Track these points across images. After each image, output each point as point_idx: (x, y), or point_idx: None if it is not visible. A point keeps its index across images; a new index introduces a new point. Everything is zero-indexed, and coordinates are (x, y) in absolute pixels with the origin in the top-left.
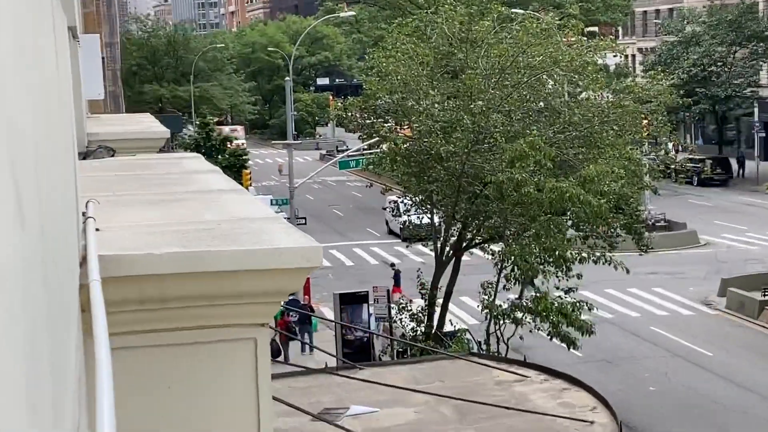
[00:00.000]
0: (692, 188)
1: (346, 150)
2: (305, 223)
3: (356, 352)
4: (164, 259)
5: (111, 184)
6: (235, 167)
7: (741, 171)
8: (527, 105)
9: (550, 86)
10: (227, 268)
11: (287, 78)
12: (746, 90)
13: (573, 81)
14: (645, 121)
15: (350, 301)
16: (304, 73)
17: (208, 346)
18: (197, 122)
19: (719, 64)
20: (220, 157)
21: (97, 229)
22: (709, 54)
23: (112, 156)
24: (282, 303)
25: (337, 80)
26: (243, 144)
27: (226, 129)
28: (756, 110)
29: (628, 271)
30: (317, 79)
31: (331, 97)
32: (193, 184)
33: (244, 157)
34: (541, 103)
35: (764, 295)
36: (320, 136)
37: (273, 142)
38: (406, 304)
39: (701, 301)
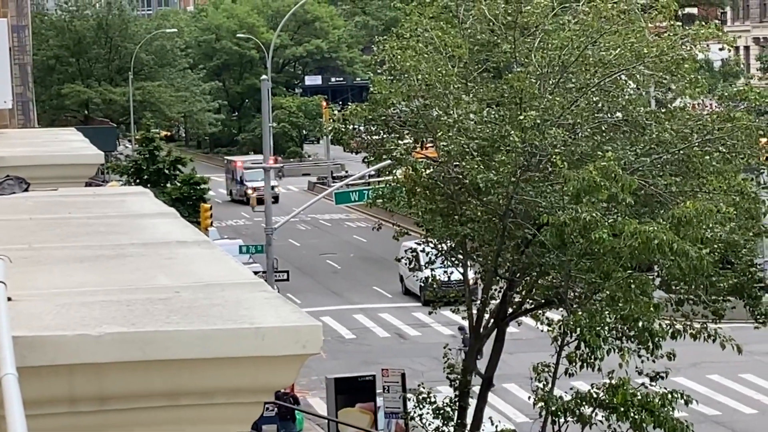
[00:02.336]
0: None
1: (346, 177)
2: (287, 279)
3: None
4: (103, 342)
5: (25, 232)
6: (190, 200)
7: None
8: (599, 116)
9: (630, 90)
10: (190, 356)
11: (264, 76)
12: None
13: (663, 83)
14: (764, 141)
15: (350, 390)
16: (287, 70)
17: None
18: (138, 136)
19: None
20: (169, 185)
21: (9, 299)
22: None
23: (25, 191)
24: None
25: (333, 79)
26: (277, 187)
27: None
28: None
29: (740, 351)
30: (305, 77)
31: (324, 103)
32: (141, 233)
33: (202, 187)
34: (619, 114)
35: None
36: (310, 157)
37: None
38: (428, 394)
39: None
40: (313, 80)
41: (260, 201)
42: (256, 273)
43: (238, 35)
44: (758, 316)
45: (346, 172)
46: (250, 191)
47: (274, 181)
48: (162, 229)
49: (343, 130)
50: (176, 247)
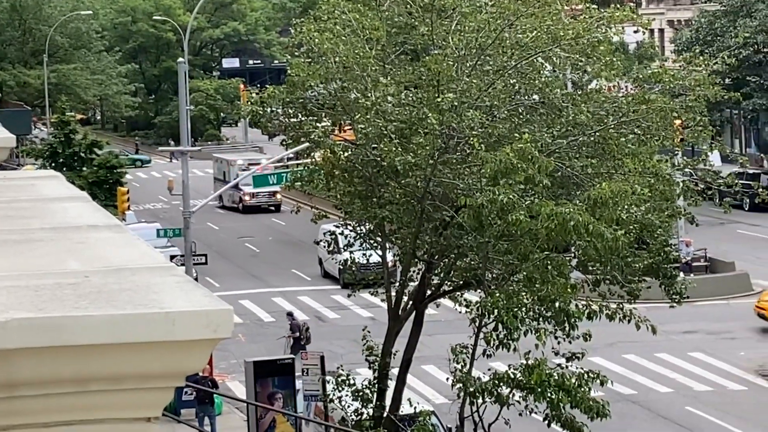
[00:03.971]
0: (743, 214)
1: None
2: (206, 263)
3: None
4: (10, 328)
5: None
6: (107, 184)
7: None
8: (516, 99)
9: (547, 73)
10: (99, 341)
11: (181, 59)
12: None
13: (579, 66)
14: (678, 122)
15: (269, 373)
16: (204, 52)
17: None
18: (53, 120)
19: None
20: (85, 169)
21: None
22: (766, 30)
23: None
24: None
25: (250, 62)
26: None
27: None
28: None
29: (654, 331)
30: (223, 60)
31: (242, 86)
32: (52, 217)
33: (119, 170)
34: (536, 96)
35: None
36: (228, 140)
37: (160, 148)
38: (347, 376)
39: (756, 371)
40: (231, 63)
41: (265, 209)
42: (173, 257)
43: (154, 17)
44: (673, 296)
45: (265, 155)
46: (246, 198)
47: (276, 187)
48: (73, 213)
49: (260, 112)
50: (87, 232)
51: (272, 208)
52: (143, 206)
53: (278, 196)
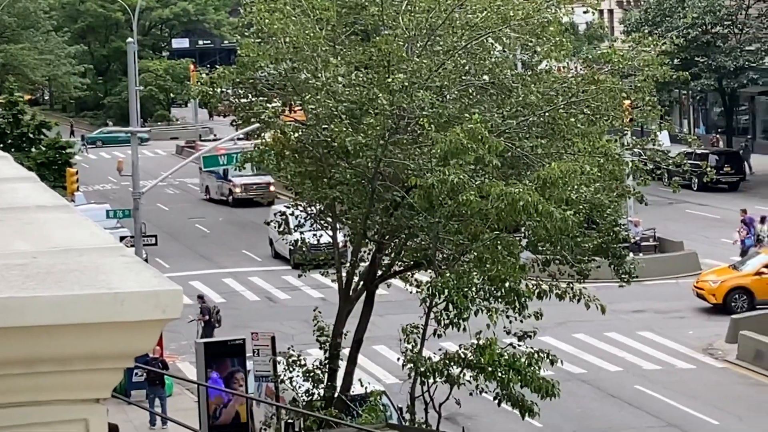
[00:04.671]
0: (691, 194)
1: (215, 140)
2: (156, 244)
3: (228, 425)
4: None
5: None
6: (56, 165)
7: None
8: (466, 79)
9: (497, 53)
10: (47, 322)
11: (130, 39)
12: (764, 60)
13: (529, 46)
14: (627, 103)
15: (220, 354)
16: (153, 33)
17: None
18: (1, 100)
19: (727, 23)
20: (34, 149)
21: None
22: (714, 10)
23: None
24: None
25: (200, 42)
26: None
27: None
28: None
29: (604, 310)
30: (172, 40)
31: (192, 66)
32: None
33: (68, 151)
34: (486, 77)
35: None
36: (177, 120)
37: (110, 128)
38: (298, 357)
39: (704, 350)
40: (181, 43)
41: (257, 203)
42: (123, 238)
43: None
44: (622, 276)
45: (215, 135)
46: (237, 190)
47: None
48: (21, 193)
49: (210, 93)
50: (35, 212)
51: (267, 202)
52: (93, 187)
53: (272, 188)
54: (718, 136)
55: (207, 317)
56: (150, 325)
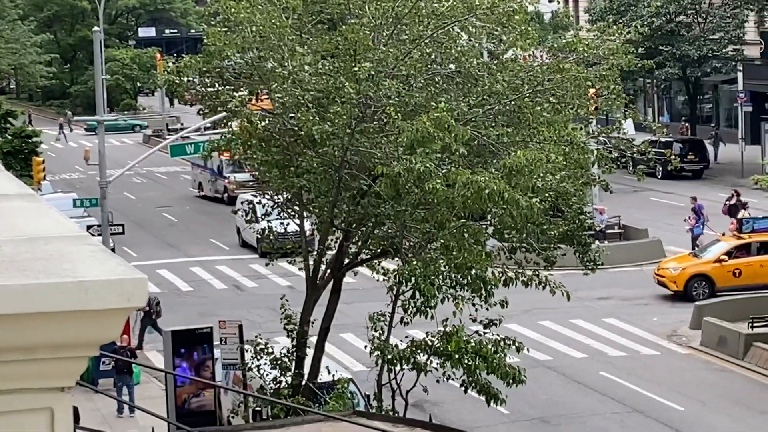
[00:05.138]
0: (656, 182)
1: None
2: (123, 233)
3: (196, 413)
4: None
5: None
6: (22, 153)
7: (714, 156)
8: (432, 68)
9: (463, 42)
10: (11, 311)
11: (96, 28)
12: (727, 48)
13: (495, 35)
14: (592, 91)
15: (187, 342)
16: (120, 21)
17: None
18: None
19: (690, 12)
20: (0, 138)
21: None
22: None
23: None
24: None
25: (166, 31)
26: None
27: None
28: (740, 76)
29: (569, 297)
30: (139, 29)
31: (158, 55)
32: None
33: (34, 140)
34: (452, 66)
35: (752, 327)
36: (144, 109)
37: (76, 117)
38: (265, 345)
39: (668, 336)
40: (147, 32)
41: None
42: (90, 227)
43: None
44: (587, 263)
45: (182, 124)
46: (233, 187)
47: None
48: None
49: (177, 82)
50: (0, 201)
51: None
52: (59, 176)
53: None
54: (687, 124)
55: (147, 308)
56: (115, 314)
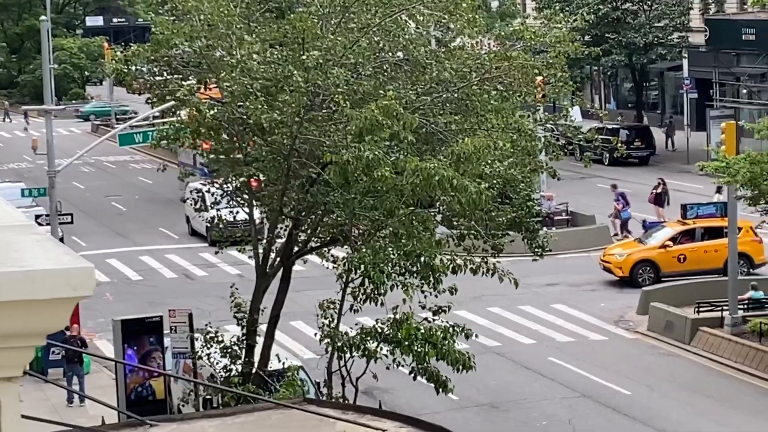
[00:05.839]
0: (603, 168)
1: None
2: (71, 222)
3: (146, 402)
4: None
5: None
6: None
7: (670, 144)
8: (380, 56)
9: (411, 30)
10: None
11: (43, 17)
12: (672, 36)
13: (442, 23)
14: (539, 79)
15: (137, 331)
16: (67, 11)
17: None
18: None
19: (636, 0)
20: None
21: None
22: None
23: None
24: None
25: (114, 20)
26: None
27: None
28: (685, 63)
29: (516, 284)
30: (86, 18)
31: (106, 45)
32: None
33: None
34: (400, 54)
35: (698, 312)
36: (92, 98)
37: (24, 107)
38: (215, 333)
39: (616, 322)
40: (95, 21)
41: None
42: (39, 216)
43: None
44: (535, 249)
45: (131, 113)
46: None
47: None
48: None
49: (125, 71)
50: None
51: None
52: (7, 166)
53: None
54: (642, 112)
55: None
56: (62, 303)
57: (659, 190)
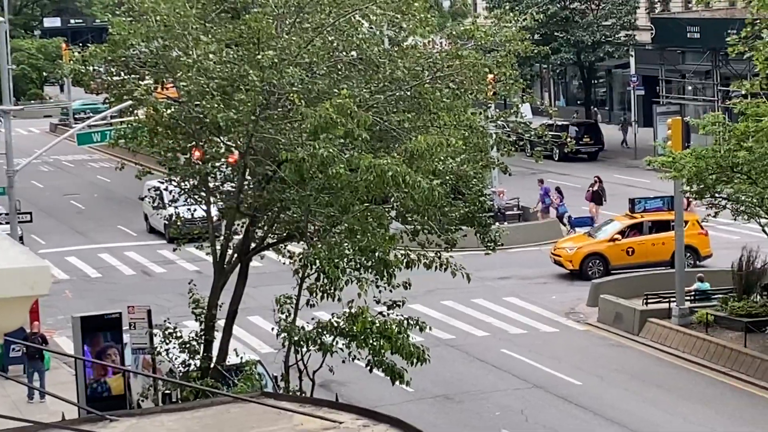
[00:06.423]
0: (553, 164)
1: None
2: (31, 221)
3: (106, 398)
4: None
5: None
6: None
7: (626, 140)
8: (334, 55)
9: (364, 30)
10: None
11: (1, 18)
12: (619, 34)
13: (395, 23)
14: (490, 77)
15: (97, 327)
16: (25, 12)
17: None
18: None
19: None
20: None
21: None
22: None
23: None
24: None
25: (72, 21)
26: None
27: None
28: (632, 60)
29: (469, 279)
30: (44, 19)
31: (64, 45)
32: None
33: None
34: (354, 53)
35: (646, 304)
36: (51, 99)
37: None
38: (174, 329)
39: (566, 314)
40: (52, 22)
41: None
42: None
43: None
44: (487, 244)
45: (89, 113)
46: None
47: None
48: None
49: (83, 71)
50: None
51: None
52: None
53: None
54: (596, 109)
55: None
56: (18, 302)
57: (595, 188)
